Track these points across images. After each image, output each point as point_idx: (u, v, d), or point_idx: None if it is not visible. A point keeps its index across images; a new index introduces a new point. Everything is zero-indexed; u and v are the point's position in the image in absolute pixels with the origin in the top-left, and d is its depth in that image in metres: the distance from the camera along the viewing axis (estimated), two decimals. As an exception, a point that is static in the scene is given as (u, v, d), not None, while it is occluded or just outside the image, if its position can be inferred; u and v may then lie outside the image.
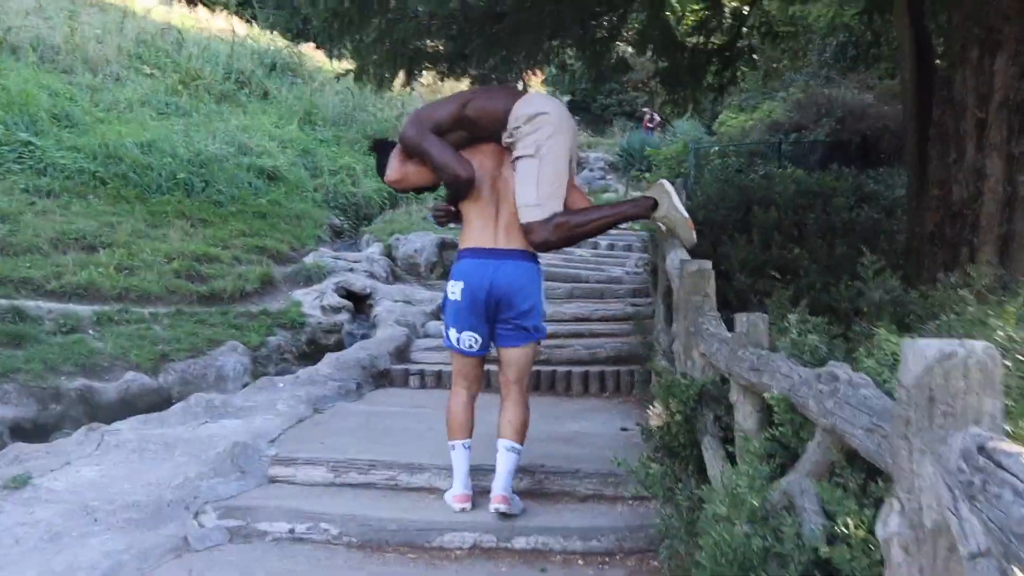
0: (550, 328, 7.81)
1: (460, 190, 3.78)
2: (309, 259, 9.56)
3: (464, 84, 8.37)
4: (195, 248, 8.53)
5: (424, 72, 8.22)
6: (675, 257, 4.84)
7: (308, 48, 19.54)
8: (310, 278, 9.05)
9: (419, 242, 10.51)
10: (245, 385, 6.24)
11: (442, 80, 7.81)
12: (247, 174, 11.46)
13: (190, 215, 9.45)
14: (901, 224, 6.70)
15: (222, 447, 4.36)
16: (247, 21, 21.49)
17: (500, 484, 3.73)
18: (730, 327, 3.00)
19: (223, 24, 19.56)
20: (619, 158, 21.65)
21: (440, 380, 6.74)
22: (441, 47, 6.65)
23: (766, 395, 2.28)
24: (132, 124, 11.34)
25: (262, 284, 8.46)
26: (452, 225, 4.14)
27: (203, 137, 11.96)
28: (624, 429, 5.25)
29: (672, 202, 3.91)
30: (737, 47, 9.49)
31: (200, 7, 21.53)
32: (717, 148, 12.53)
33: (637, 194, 18.75)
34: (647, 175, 19.74)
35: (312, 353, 7.32)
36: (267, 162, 12.11)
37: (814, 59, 15.92)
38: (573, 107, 27.69)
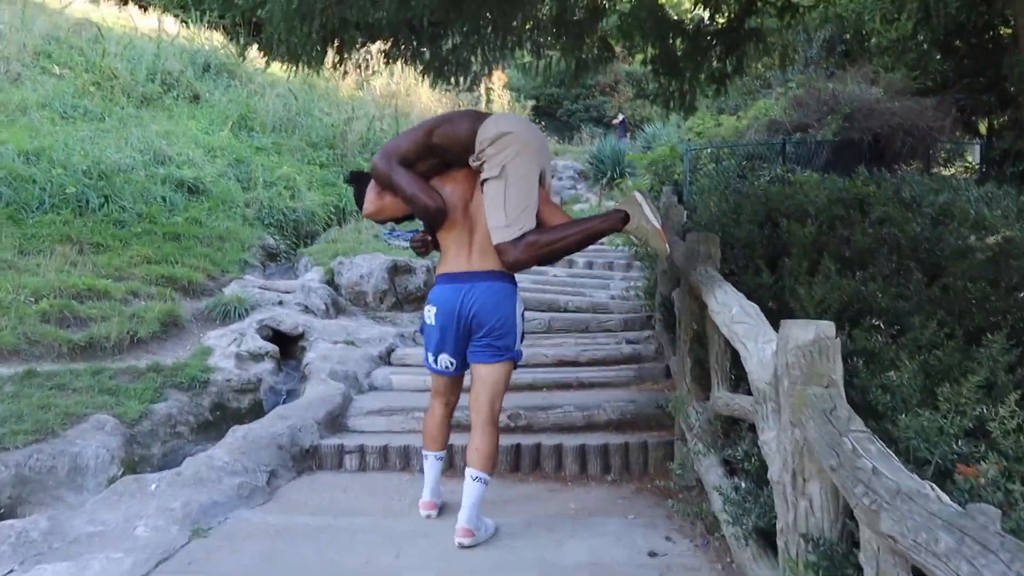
0: (527, 378, 6.20)
1: (432, 220, 3.81)
2: (230, 290, 7.77)
3: (410, 73, 6.64)
4: (76, 281, 6.69)
5: (367, 54, 6.48)
6: (729, 303, 3.21)
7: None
8: (228, 315, 7.25)
9: (366, 266, 8.75)
10: (112, 480, 4.46)
11: (387, 63, 6.06)
12: (161, 187, 9.61)
13: (78, 238, 7.60)
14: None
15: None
16: (182, 21, 19.57)
17: (464, 516, 3.70)
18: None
19: (155, 24, 17.64)
20: (590, 166, 20.02)
21: (386, 459, 5.02)
22: (383, 15, 4.96)
23: None
24: (20, 129, 9.46)
25: (163, 326, 6.66)
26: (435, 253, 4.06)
27: (111, 144, 10.11)
28: (653, 554, 3.56)
29: (644, 213, 3.76)
30: (746, 27, 7.91)
31: (131, 5, 19.62)
32: (709, 150, 10.92)
33: (611, 204, 17.24)
34: (628, 183, 18.20)
35: (217, 422, 5.55)
36: (188, 173, 10.27)
37: (800, 55, 14.51)
38: (538, 113, 26.20)
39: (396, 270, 8.77)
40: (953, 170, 13.58)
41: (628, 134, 24.60)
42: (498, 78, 22.39)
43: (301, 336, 7.21)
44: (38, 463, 4.41)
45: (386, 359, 7.08)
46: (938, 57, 13.61)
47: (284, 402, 5.99)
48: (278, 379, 6.47)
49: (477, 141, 3.69)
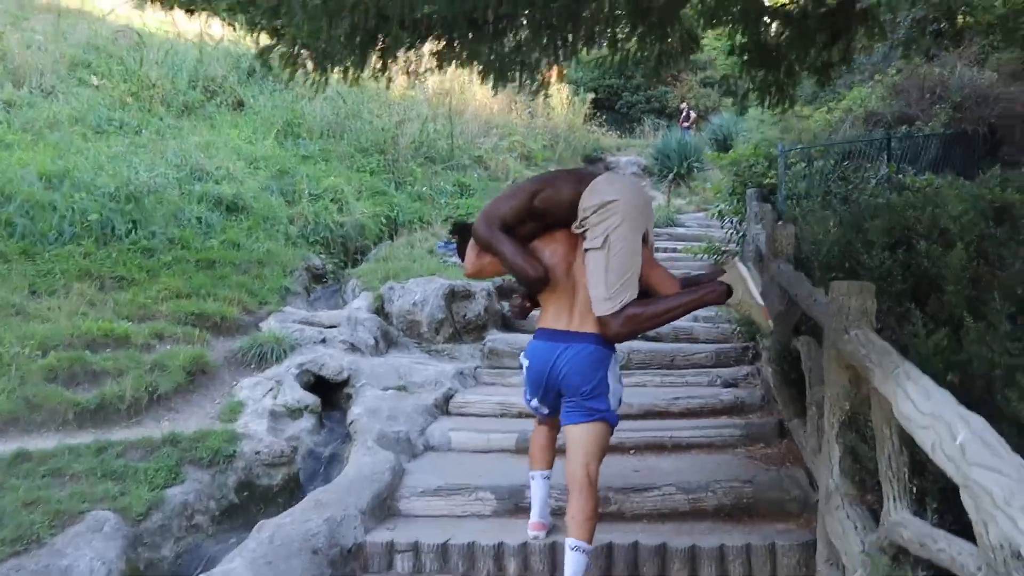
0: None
1: (532, 288, 3.78)
2: (268, 326, 6.90)
3: (463, 75, 5.65)
4: (91, 327, 5.87)
5: (416, 56, 5.50)
6: (944, 414, 2.19)
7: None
8: (264, 357, 6.37)
9: (420, 292, 7.80)
10: (107, 602, 3.57)
11: (439, 67, 5.07)
12: (198, 207, 8.81)
13: (99, 273, 6.79)
14: None
15: None
16: (229, 24, 18.87)
17: None
18: None
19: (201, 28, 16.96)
20: (654, 161, 18.82)
21: (446, 560, 4.06)
22: (435, 10, 3.99)
23: None
24: (46, 148, 8.74)
25: (188, 376, 5.81)
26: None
27: (144, 161, 9.34)
28: None
29: (748, 287, 3.57)
30: (857, 7, 6.76)
31: (176, 10, 18.99)
32: (799, 148, 9.70)
33: (680, 202, 15.98)
34: (697, 182, 17.00)
35: (244, 505, 4.67)
36: (227, 189, 9.46)
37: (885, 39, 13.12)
38: (597, 106, 24.98)
39: (453, 296, 7.81)
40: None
41: (694, 126, 23.30)
42: (555, 71, 21.27)
43: (346, 382, 6.30)
44: (17, 584, 3.55)
45: (443, 407, 6.13)
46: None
47: (324, 473, 5.08)
48: (319, 439, 5.56)
49: (580, 208, 3.58)
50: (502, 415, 6.00)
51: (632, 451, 5.14)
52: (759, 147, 10.22)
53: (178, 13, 18.47)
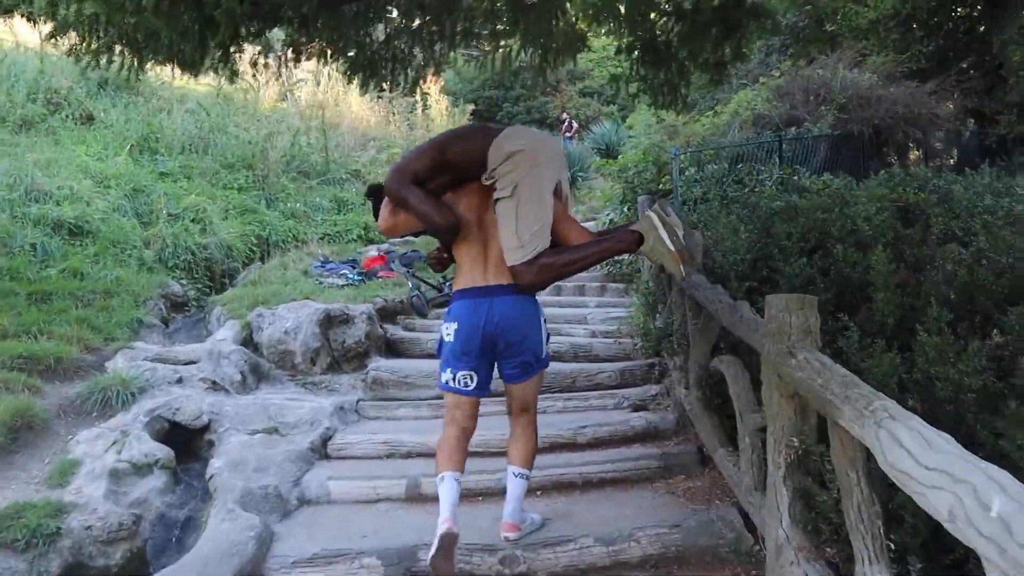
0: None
1: (444, 237, 3.79)
2: (115, 365, 5.99)
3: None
4: None
5: (272, 50, 4.76)
6: (954, 469, 1.65)
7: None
8: (108, 403, 5.47)
9: (292, 318, 7.00)
10: None
11: (296, 59, 4.35)
12: (33, 231, 7.76)
13: (-98, 315, 5.74)
14: None
15: None
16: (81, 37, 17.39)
17: (509, 510, 3.82)
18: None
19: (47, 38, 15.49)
20: (538, 172, 18.41)
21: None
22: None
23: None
24: None
25: (11, 432, 4.86)
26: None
27: (-32, 181, 8.20)
28: None
29: (659, 235, 3.55)
30: (748, 3, 6.42)
31: (16, 17, 17.39)
32: (692, 152, 9.36)
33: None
34: (583, 191, 16.62)
35: (72, 597, 3.79)
36: (69, 211, 8.41)
37: (755, 43, 13.12)
38: (477, 117, 24.48)
39: (330, 321, 7.04)
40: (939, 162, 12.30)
41: (576, 136, 23.13)
42: (433, 82, 20.65)
43: (207, 427, 5.46)
44: None
45: (321, 451, 5.37)
46: (921, 36, 12.34)
47: (178, 543, 4.27)
48: (172, 499, 4.72)
49: (489, 159, 3.56)
50: (388, 456, 5.30)
51: (539, 492, 4.54)
52: (648, 152, 9.86)
53: (20, 22, 16.97)
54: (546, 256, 3.50)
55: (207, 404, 5.60)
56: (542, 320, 3.78)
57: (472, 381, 3.70)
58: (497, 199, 3.56)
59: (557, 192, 3.65)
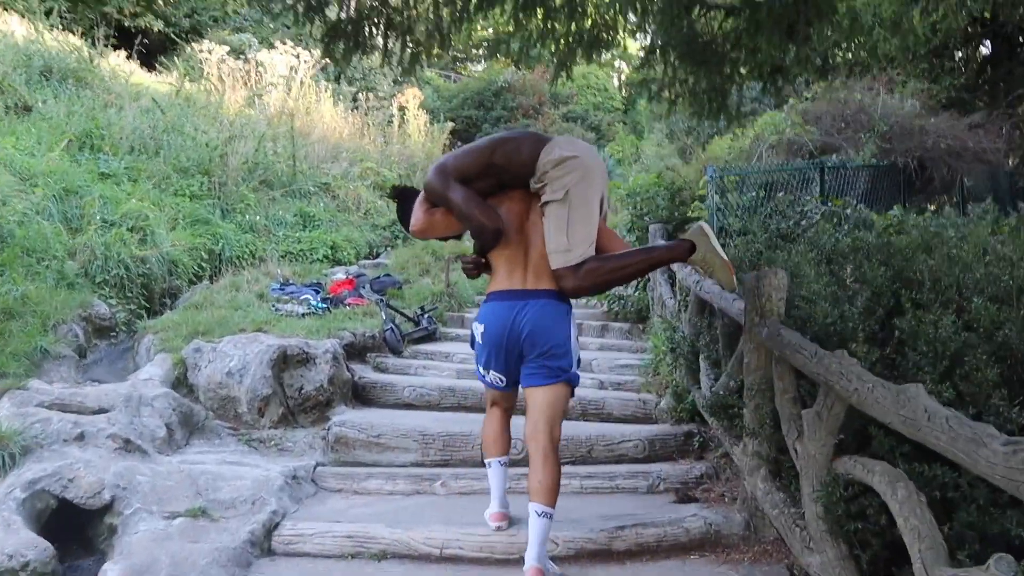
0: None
1: (487, 240, 3.64)
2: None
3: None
4: None
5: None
6: None
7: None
8: (-21, 467, 4.05)
9: (238, 356, 5.61)
10: None
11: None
12: (-76, 233, 6.30)
13: None
14: None
15: None
16: (29, 21, 15.83)
17: (531, 554, 3.42)
18: None
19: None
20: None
21: None
22: None
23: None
24: None
25: None
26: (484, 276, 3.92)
27: None
28: None
29: (710, 244, 3.49)
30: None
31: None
32: (736, 174, 8.19)
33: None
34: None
35: None
36: (-21, 212, 6.95)
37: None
38: (456, 137, 23.26)
39: (285, 361, 5.66)
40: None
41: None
42: (413, 96, 19.39)
43: (110, 507, 4.05)
44: None
45: (264, 545, 3.98)
46: (951, 67, 11.31)
47: None
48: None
49: (540, 163, 3.46)
50: (354, 556, 3.92)
51: (566, 631, 3.22)
52: (663, 176, 8.64)
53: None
54: (593, 261, 3.43)
55: (113, 473, 4.18)
56: (573, 331, 3.63)
57: (503, 382, 3.70)
58: (546, 202, 3.46)
59: (600, 206, 3.54)
